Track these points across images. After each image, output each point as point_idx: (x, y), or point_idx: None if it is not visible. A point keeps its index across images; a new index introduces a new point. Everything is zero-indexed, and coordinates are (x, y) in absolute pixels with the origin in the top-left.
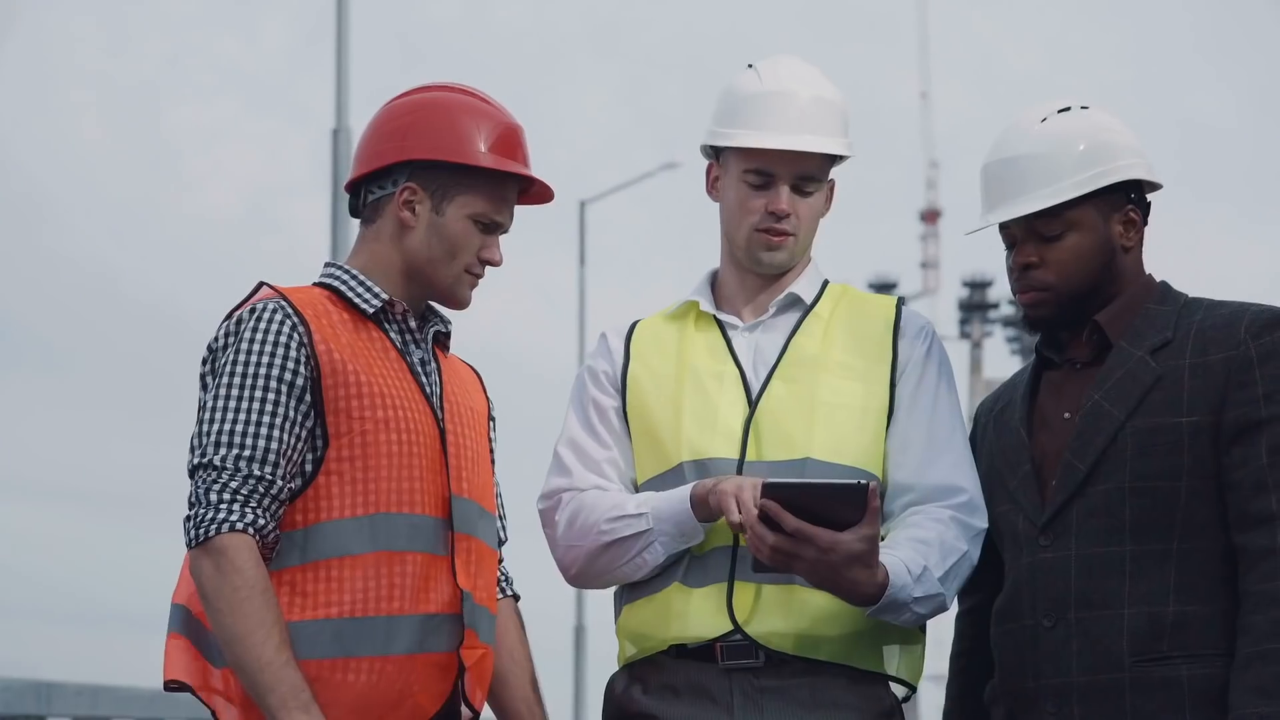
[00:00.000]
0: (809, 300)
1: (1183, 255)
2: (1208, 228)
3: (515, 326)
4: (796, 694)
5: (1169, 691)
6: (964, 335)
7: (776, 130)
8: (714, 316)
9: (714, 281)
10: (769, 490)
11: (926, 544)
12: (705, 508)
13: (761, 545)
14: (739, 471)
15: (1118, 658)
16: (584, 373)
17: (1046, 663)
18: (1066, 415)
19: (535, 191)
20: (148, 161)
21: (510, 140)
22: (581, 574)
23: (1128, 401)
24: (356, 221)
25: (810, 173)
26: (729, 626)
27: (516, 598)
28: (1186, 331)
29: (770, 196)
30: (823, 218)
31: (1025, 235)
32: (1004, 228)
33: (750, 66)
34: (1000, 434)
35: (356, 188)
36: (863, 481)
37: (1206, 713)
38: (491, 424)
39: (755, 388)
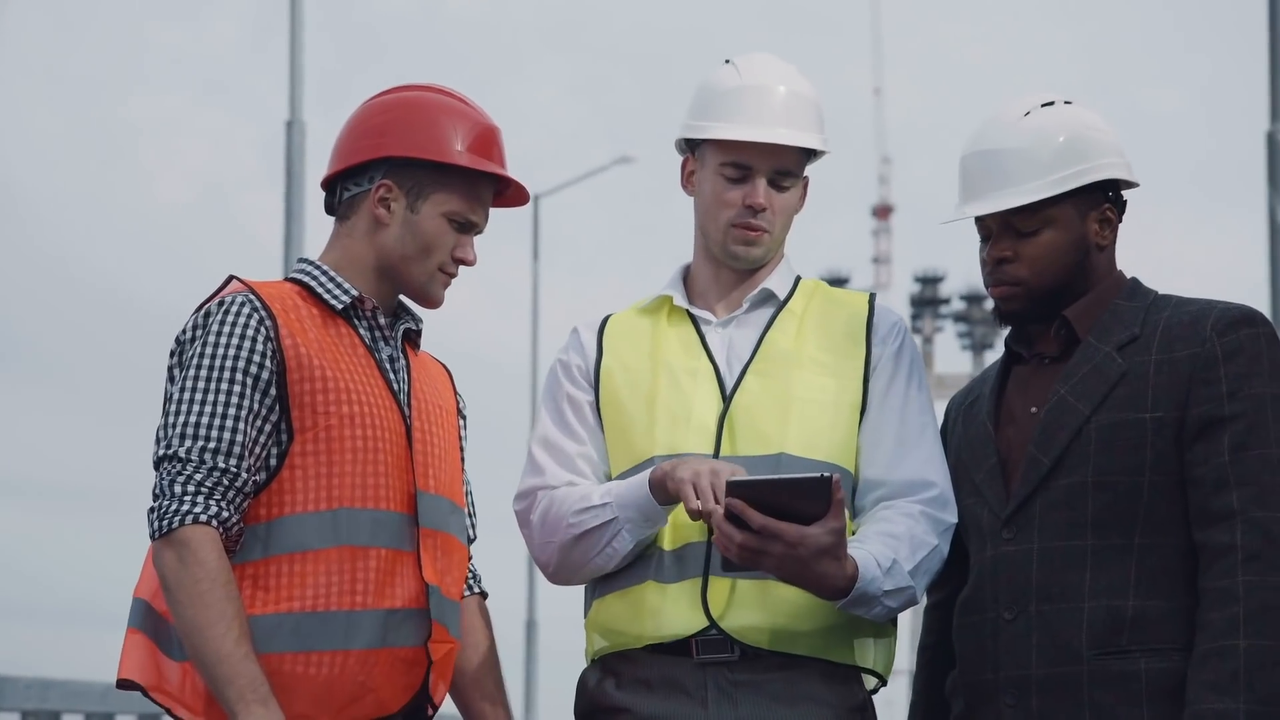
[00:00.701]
0: (782, 296)
1: (1133, 249)
2: (1163, 221)
3: (470, 320)
4: (770, 688)
5: (1127, 685)
6: (915, 330)
7: (755, 124)
8: (687, 311)
9: (686, 276)
10: (734, 489)
11: (896, 538)
12: (663, 491)
13: (729, 544)
14: None
15: (1077, 651)
16: (556, 367)
17: (1006, 655)
18: (1033, 410)
19: (510, 194)
20: (102, 153)
21: (487, 141)
22: (559, 569)
23: (1093, 397)
24: (311, 213)
25: (787, 167)
26: (705, 623)
27: (484, 595)
28: (1153, 328)
29: (747, 190)
30: (796, 214)
31: (1001, 229)
32: (980, 220)
33: (727, 62)
34: (967, 428)
35: (332, 184)
36: (825, 474)
37: (1163, 707)
38: (462, 421)
39: (729, 383)
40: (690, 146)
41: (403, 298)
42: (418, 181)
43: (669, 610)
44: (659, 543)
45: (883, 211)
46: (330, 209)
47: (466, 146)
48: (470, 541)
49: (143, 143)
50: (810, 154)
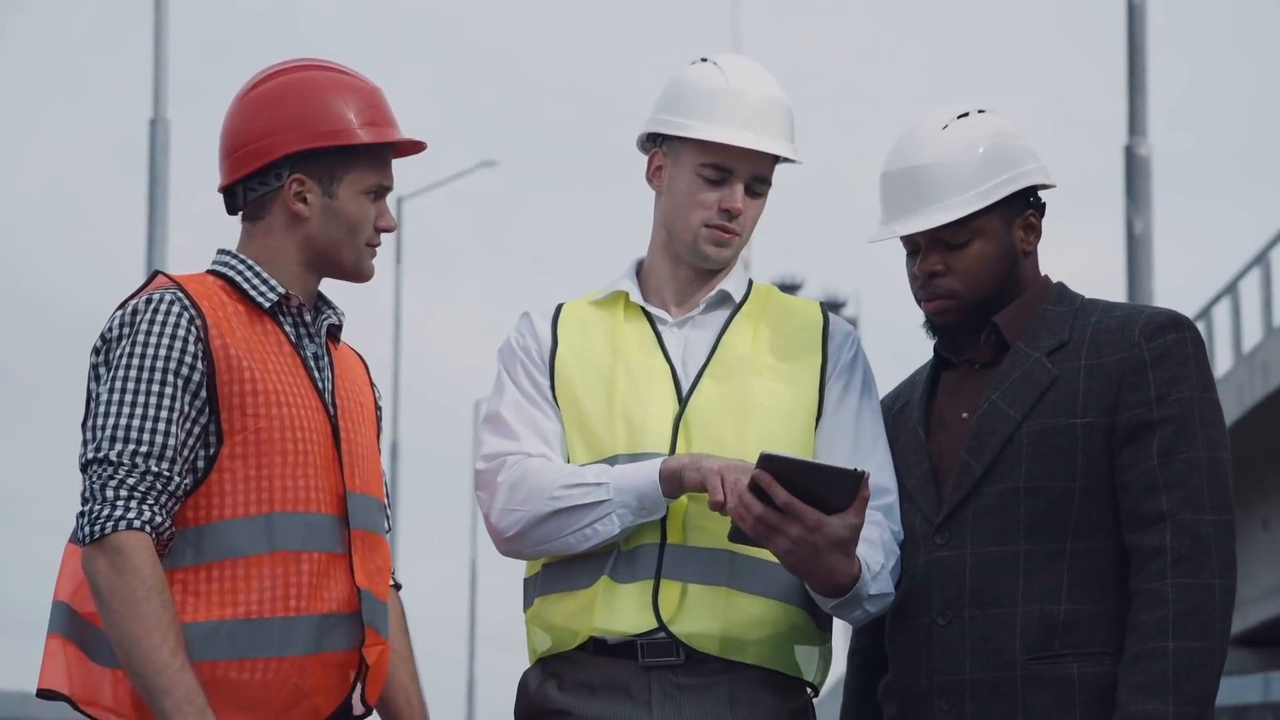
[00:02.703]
0: (738, 298)
1: None
2: None
3: None
4: (715, 692)
5: (1059, 689)
6: None
7: (744, 128)
8: (643, 309)
9: (639, 271)
10: (765, 462)
11: (872, 543)
12: (675, 483)
13: (746, 515)
14: None
15: (1010, 655)
16: (513, 346)
17: (940, 660)
18: (964, 415)
19: (404, 145)
20: None
21: (378, 107)
22: (518, 538)
23: (1024, 402)
24: (173, 211)
25: (765, 174)
26: (653, 624)
27: (398, 587)
28: (1082, 333)
29: (725, 193)
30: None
31: (930, 243)
32: (907, 235)
33: (705, 60)
34: (899, 433)
35: (230, 185)
36: (859, 469)
37: (1095, 710)
38: (379, 413)
39: (685, 385)
40: (657, 141)
41: (322, 290)
42: (328, 168)
43: (618, 608)
44: (615, 543)
45: None
46: (233, 209)
47: (363, 120)
48: (387, 531)
49: None
50: (779, 161)
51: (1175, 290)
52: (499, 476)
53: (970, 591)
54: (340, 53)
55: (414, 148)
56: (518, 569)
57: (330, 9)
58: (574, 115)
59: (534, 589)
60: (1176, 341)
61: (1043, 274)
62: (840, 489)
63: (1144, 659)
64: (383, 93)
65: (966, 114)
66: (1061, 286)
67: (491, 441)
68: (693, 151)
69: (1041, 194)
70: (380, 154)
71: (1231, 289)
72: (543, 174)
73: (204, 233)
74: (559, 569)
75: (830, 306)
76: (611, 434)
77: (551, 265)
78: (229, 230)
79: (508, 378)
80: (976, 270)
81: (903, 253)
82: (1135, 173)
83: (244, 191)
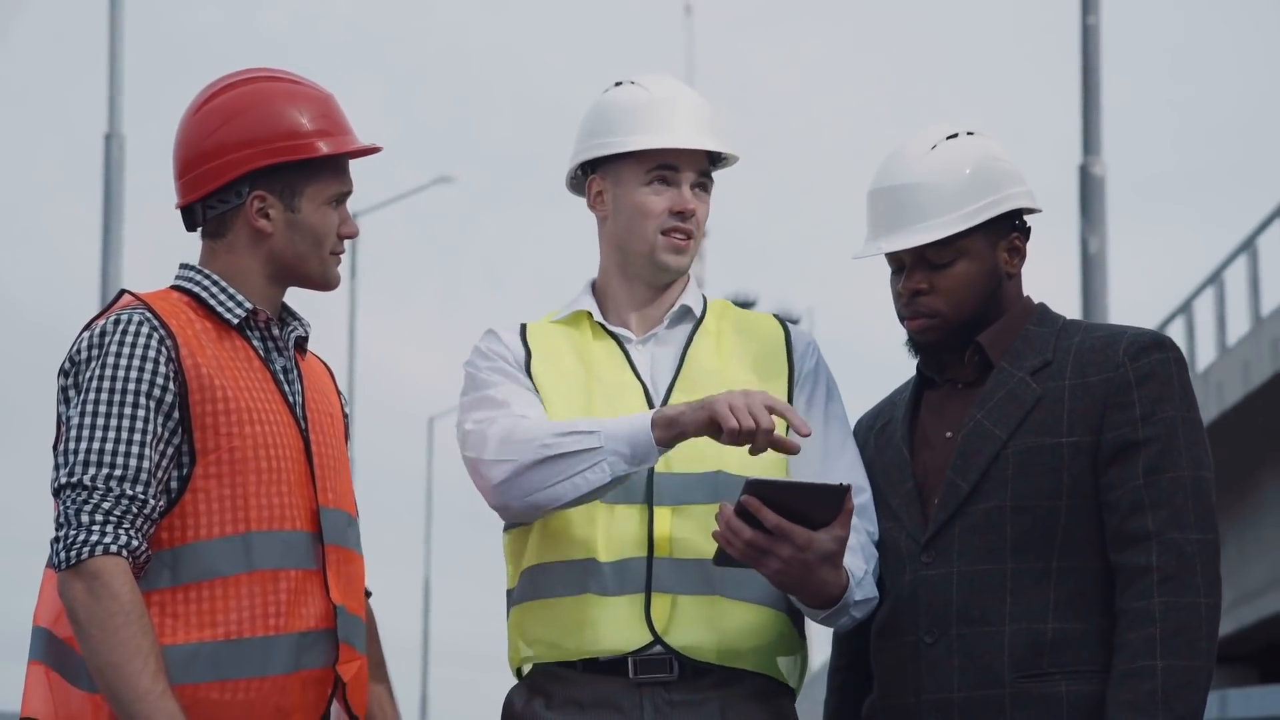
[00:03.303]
0: (698, 313)
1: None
2: None
3: None
4: (706, 708)
5: (1047, 707)
6: None
7: (683, 130)
8: (603, 327)
9: (595, 292)
10: (752, 487)
11: (852, 550)
12: (673, 428)
13: (735, 540)
14: (651, 485)
15: (998, 674)
16: (485, 352)
17: (928, 678)
18: (948, 434)
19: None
20: None
21: (333, 115)
22: (506, 487)
23: (1009, 421)
24: (127, 226)
25: (708, 170)
26: (648, 638)
27: (368, 594)
28: (1066, 353)
29: (674, 195)
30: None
31: (915, 262)
32: (893, 254)
33: (620, 84)
34: (882, 452)
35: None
36: (844, 483)
37: None
38: (346, 422)
39: (656, 401)
40: (588, 171)
41: (286, 301)
42: (288, 183)
43: (608, 624)
44: (595, 554)
45: None
46: (191, 226)
47: (320, 129)
48: (358, 545)
49: None
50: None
51: (1130, 308)
52: (490, 430)
53: (957, 610)
54: (295, 67)
55: (370, 147)
56: (472, 586)
57: (284, 23)
58: (528, 131)
59: (514, 598)
60: (1160, 362)
61: (1025, 294)
62: (827, 505)
63: (1132, 677)
64: (335, 99)
65: (955, 135)
66: (1043, 307)
67: (481, 409)
68: (634, 165)
69: (1027, 218)
70: (338, 162)
71: (1186, 308)
72: (497, 190)
73: (160, 246)
74: (540, 575)
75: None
76: None
77: (505, 281)
78: (184, 243)
79: (486, 372)
80: (960, 291)
81: (860, 272)
82: (1090, 191)
83: (203, 209)
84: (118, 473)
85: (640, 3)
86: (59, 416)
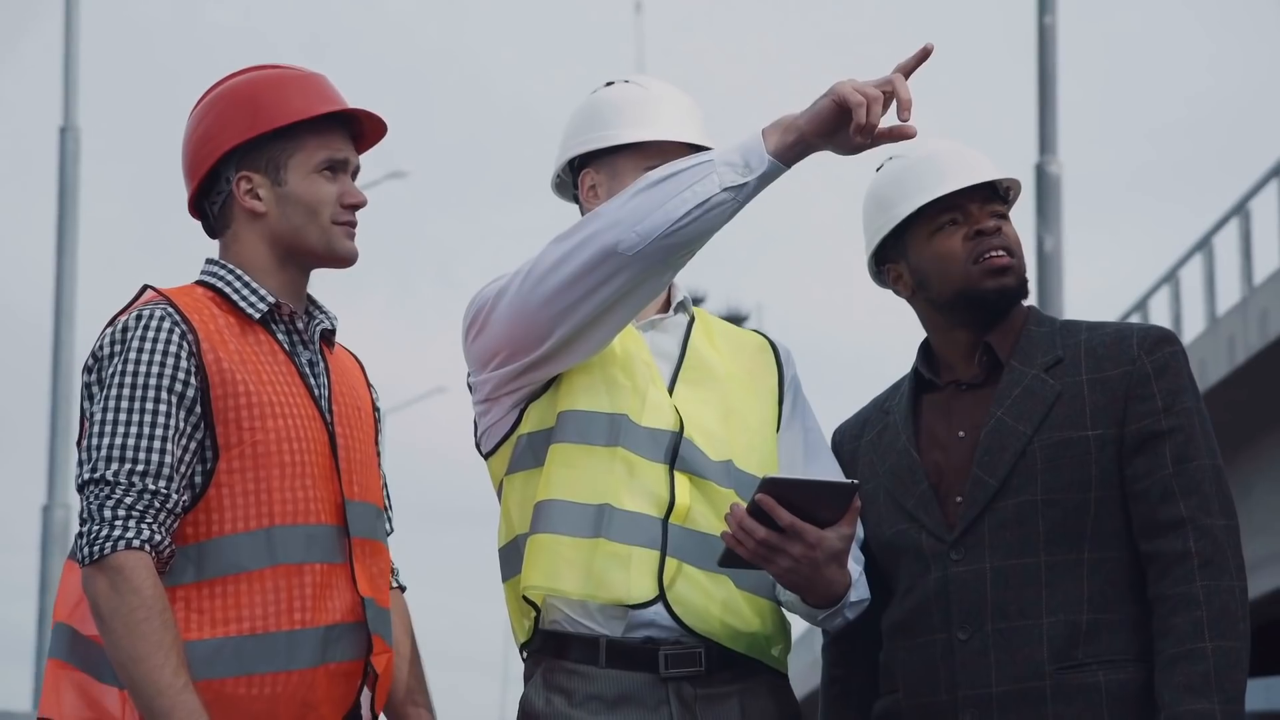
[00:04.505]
0: (690, 311)
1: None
2: None
3: None
4: (727, 703)
5: (1087, 697)
6: None
7: (679, 125)
8: None
9: None
10: (768, 486)
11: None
12: (787, 132)
13: (748, 540)
14: (677, 450)
15: (1038, 666)
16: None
17: (963, 674)
18: (961, 434)
19: (367, 132)
20: None
21: (314, 85)
22: (619, 225)
23: (1033, 417)
24: (85, 219)
25: None
26: (652, 593)
27: (402, 589)
28: (1075, 350)
29: None
30: None
31: (984, 202)
32: (950, 206)
33: (612, 83)
34: (884, 456)
35: (199, 207)
36: (853, 481)
37: (1123, 716)
38: (377, 416)
39: (665, 383)
40: (576, 168)
41: (311, 293)
42: (270, 157)
43: (617, 572)
44: (613, 500)
45: None
46: (210, 231)
47: (296, 99)
48: (388, 535)
49: None
50: None
51: (1085, 307)
52: (539, 254)
53: (993, 605)
54: (243, 63)
55: (376, 133)
56: (448, 586)
57: (230, 19)
58: (478, 129)
59: (517, 544)
60: (1173, 354)
61: None
62: (835, 502)
63: (1183, 660)
64: (324, 78)
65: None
66: (1035, 309)
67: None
68: (629, 158)
69: None
70: (323, 129)
71: (1141, 307)
72: (448, 187)
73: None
74: (554, 511)
75: (732, 319)
76: (619, 395)
77: (457, 279)
78: (140, 236)
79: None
80: (1019, 245)
81: (807, 270)
82: (1046, 191)
83: (208, 209)
84: (140, 468)
85: (591, 0)
86: (83, 412)
